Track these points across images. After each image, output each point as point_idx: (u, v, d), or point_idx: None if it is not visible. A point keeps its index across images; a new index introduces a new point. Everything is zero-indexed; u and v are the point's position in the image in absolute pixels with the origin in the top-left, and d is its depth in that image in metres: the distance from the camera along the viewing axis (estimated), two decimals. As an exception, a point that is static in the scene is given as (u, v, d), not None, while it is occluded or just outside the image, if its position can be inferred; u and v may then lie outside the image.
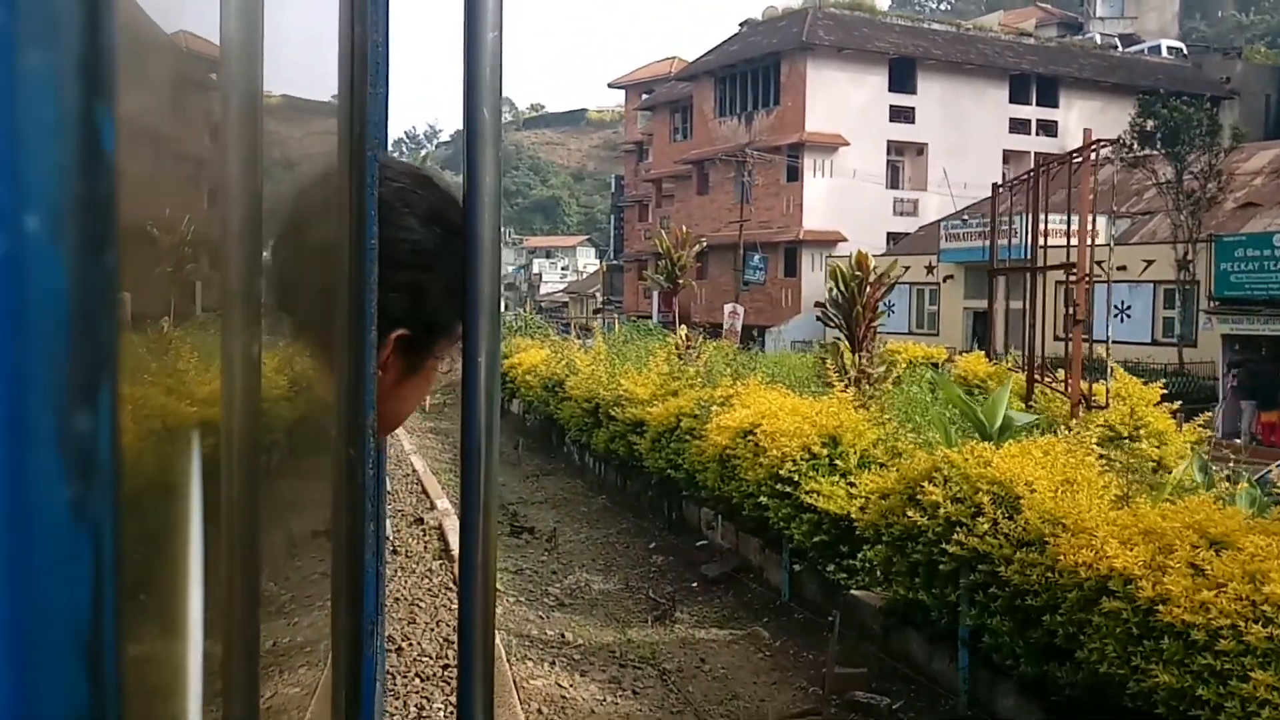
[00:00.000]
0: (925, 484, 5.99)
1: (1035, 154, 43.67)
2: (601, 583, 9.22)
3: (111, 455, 0.37)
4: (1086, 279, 10.52)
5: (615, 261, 57.52)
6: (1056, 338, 15.22)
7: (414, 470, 14.39)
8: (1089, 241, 10.61)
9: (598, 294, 60.72)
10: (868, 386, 10.07)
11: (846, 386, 9.63)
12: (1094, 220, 15.07)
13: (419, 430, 18.95)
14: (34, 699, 0.35)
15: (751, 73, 42.20)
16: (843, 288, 11.22)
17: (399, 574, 8.81)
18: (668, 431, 10.38)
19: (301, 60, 0.83)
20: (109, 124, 0.37)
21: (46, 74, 0.34)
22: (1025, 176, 15.49)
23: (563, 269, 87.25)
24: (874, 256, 36.72)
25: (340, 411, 0.81)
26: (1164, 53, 52.07)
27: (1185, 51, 53.53)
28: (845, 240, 38.14)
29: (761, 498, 7.91)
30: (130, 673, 0.39)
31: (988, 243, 29.31)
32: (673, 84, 49.56)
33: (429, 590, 8.55)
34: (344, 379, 0.81)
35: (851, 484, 7.32)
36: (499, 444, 0.91)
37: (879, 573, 6.66)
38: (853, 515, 6.96)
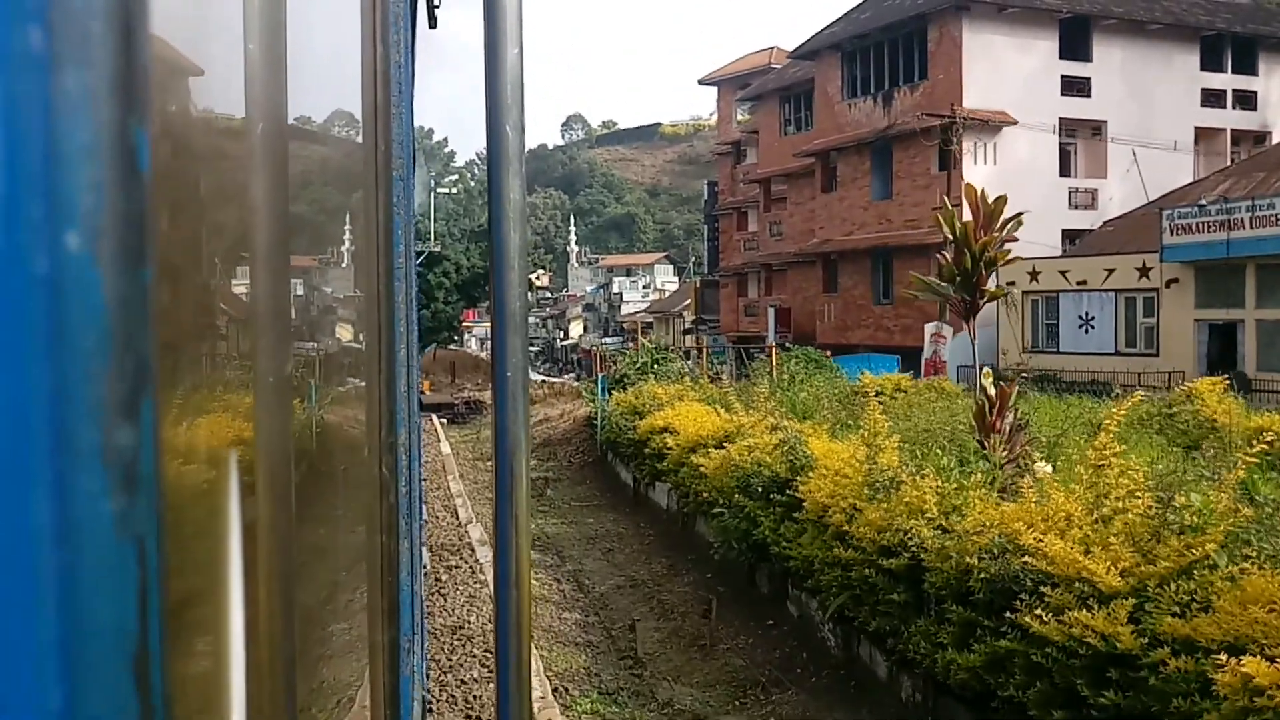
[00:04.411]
0: None
1: (1231, 131, 36.36)
2: None
3: (154, 469, 0.38)
4: None
5: (710, 277, 52.04)
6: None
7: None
8: None
9: (685, 313, 56.72)
10: None
11: None
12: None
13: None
14: (82, 711, 0.35)
15: (889, 43, 34.83)
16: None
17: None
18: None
19: (325, 82, 0.84)
20: (144, 144, 0.37)
21: (83, 94, 0.35)
22: None
23: (644, 288, 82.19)
24: (1055, 259, 30.58)
25: (371, 430, 0.82)
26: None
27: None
28: (1014, 240, 31.72)
29: None
30: (175, 684, 0.39)
31: (1233, 234, 24.42)
32: (782, 69, 43.01)
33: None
34: (375, 397, 0.81)
35: None
36: (529, 454, 0.92)
37: None
38: None
